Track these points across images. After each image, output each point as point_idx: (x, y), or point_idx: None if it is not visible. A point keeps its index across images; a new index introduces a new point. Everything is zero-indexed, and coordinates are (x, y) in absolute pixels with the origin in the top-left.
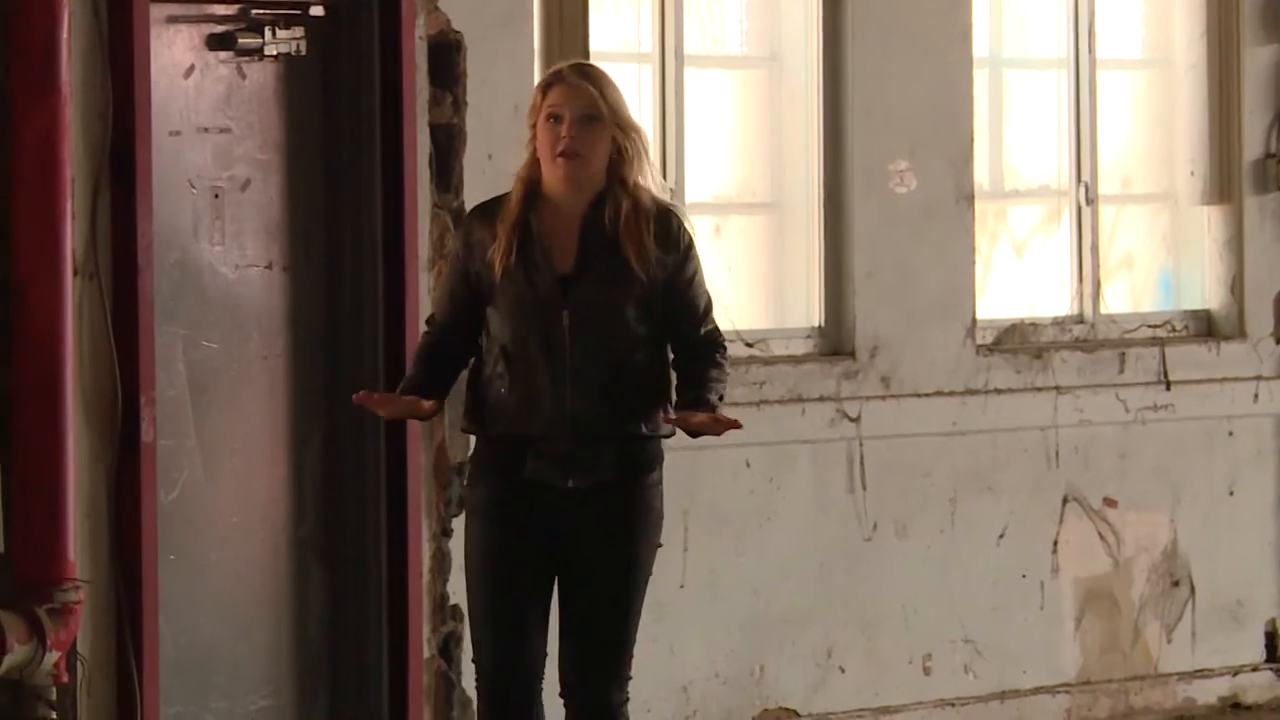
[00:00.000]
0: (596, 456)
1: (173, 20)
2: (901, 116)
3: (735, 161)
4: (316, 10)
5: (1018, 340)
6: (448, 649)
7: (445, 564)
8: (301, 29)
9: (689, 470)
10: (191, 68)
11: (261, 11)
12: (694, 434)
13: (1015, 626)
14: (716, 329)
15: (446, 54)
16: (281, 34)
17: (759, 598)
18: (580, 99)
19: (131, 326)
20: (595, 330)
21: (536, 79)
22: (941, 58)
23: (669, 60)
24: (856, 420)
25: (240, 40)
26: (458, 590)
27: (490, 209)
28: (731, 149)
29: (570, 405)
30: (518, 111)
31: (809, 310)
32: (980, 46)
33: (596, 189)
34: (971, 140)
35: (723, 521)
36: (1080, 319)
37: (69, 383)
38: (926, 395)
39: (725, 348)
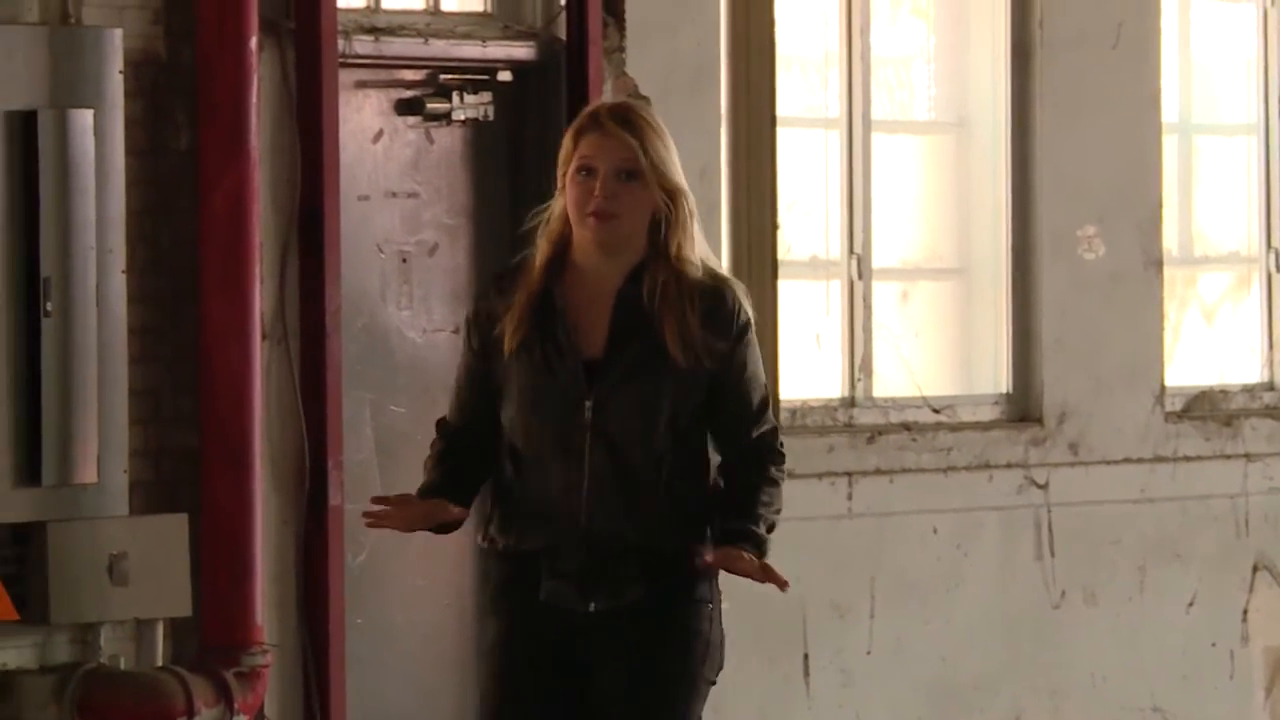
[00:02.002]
0: (622, 575)
1: (361, 85)
2: (1090, 182)
3: (922, 227)
4: (504, 75)
5: (1207, 407)
6: None
7: None
8: (489, 94)
9: (875, 537)
10: (380, 132)
11: (450, 77)
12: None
13: (1205, 696)
14: (772, 431)
15: None
16: (469, 99)
17: (946, 665)
18: (617, 151)
19: (319, 391)
20: (621, 426)
21: (724, 143)
22: (1130, 123)
23: (856, 125)
24: (1044, 487)
25: (428, 105)
26: None
27: (510, 274)
28: (919, 214)
29: (586, 514)
30: (704, 176)
31: (996, 376)
32: (1170, 112)
33: (636, 259)
34: (1160, 206)
35: (910, 588)
36: (1270, 386)
37: (257, 447)
38: (1115, 463)
39: (782, 456)
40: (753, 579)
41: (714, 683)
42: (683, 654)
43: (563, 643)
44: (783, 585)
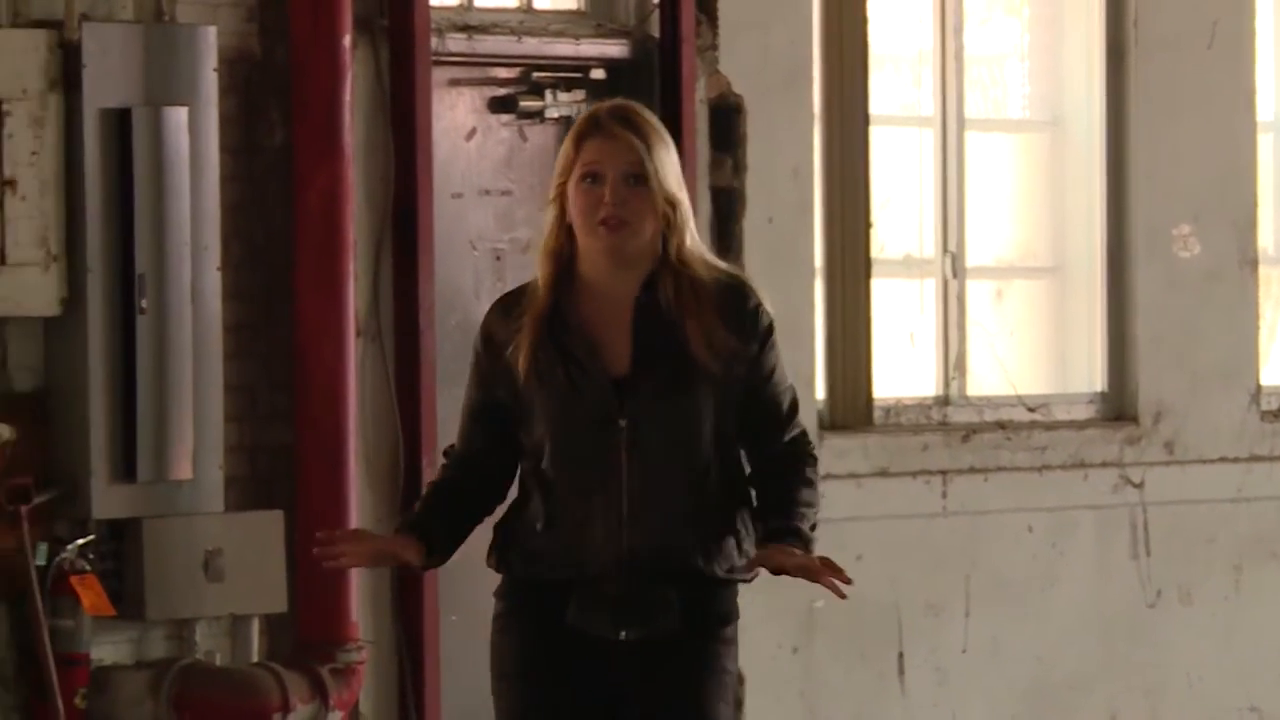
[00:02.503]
0: (657, 602)
1: (455, 83)
2: (1184, 180)
3: (1017, 225)
4: (597, 73)
5: None
6: None
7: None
8: (582, 91)
9: (971, 535)
10: (473, 130)
11: (543, 74)
12: (778, 573)
13: None
14: (803, 435)
15: (727, 117)
16: (563, 96)
17: (1041, 664)
18: (623, 154)
19: (413, 388)
20: (660, 444)
21: (818, 142)
22: (1225, 121)
23: (950, 124)
24: (1140, 486)
25: (521, 103)
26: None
27: (514, 298)
28: (1013, 213)
29: (627, 538)
30: (797, 175)
31: (1091, 375)
32: (1265, 110)
33: (649, 267)
34: (1256, 204)
35: (1005, 587)
36: None
37: (352, 443)
38: (1211, 461)
39: (816, 459)
40: (808, 576)
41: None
42: (716, 696)
43: (587, 672)
44: (843, 581)
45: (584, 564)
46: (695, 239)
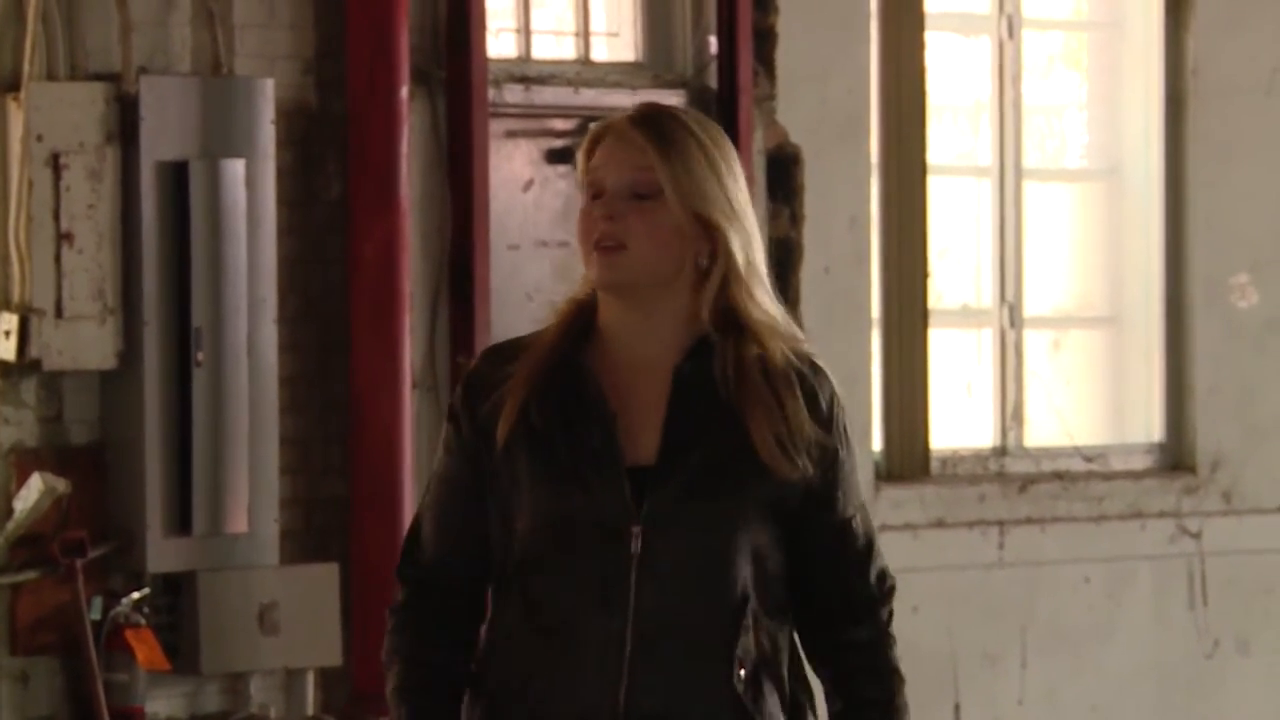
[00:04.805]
0: None
1: (512, 134)
2: (1243, 230)
3: (1074, 275)
4: None
5: None
6: None
7: None
8: None
9: (1027, 586)
10: (530, 182)
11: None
12: None
13: None
14: (891, 591)
15: (784, 167)
16: None
17: (1098, 714)
18: (628, 159)
19: None
20: (683, 562)
21: (875, 192)
22: None
23: (1008, 174)
24: (1197, 536)
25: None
26: None
27: (508, 348)
28: (1071, 263)
29: (626, 686)
30: (855, 225)
31: (1149, 425)
32: None
33: (689, 324)
34: None
35: (1061, 638)
36: None
37: (407, 495)
38: (1268, 511)
39: (892, 632)
40: None
41: None
42: None
43: None
44: None
45: (565, 714)
46: (766, 296)
